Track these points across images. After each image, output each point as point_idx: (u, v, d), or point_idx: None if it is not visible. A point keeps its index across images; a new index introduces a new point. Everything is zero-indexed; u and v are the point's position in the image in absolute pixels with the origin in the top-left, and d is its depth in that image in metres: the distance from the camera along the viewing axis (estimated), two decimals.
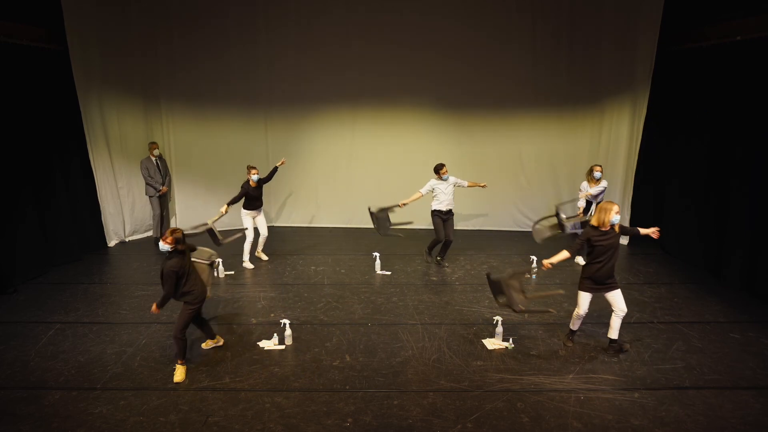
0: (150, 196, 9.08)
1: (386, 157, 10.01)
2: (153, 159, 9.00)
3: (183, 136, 9.65)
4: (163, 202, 9.25)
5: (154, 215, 9.18)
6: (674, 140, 8.30)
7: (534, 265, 7.42)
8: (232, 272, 7.53)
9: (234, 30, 9.30)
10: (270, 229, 8.34)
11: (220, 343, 5.38)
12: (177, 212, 9.95)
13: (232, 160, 9.47)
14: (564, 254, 4.97)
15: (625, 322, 5.85)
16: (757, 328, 5.71)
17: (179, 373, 4.75)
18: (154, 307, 4.74)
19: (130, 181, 9.14)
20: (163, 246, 4.56)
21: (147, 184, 8.99)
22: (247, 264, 7.79)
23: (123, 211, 9.13)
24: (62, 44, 7.79)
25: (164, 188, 9.11)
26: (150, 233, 9.48)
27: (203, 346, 5.33)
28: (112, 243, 8.97)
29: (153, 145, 9.01)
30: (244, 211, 7.67)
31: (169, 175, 9.45)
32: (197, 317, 5.04)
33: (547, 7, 9.03)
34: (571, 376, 4.78)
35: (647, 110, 8.42)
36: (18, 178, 7.05)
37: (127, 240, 9.24)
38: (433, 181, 7.57)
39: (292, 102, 9.81)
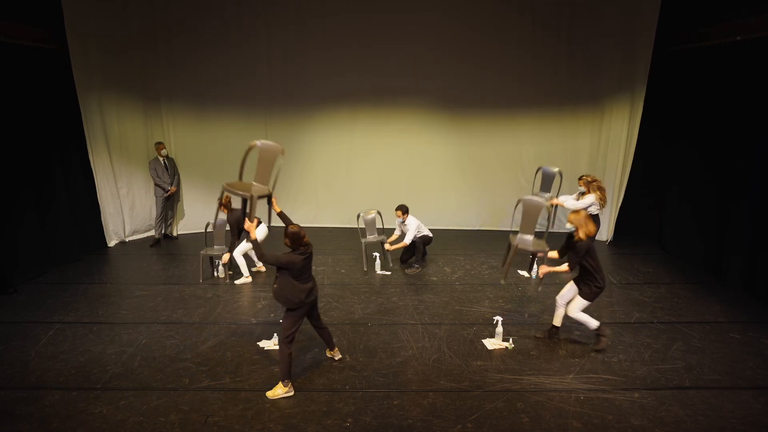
0: (157, 197, 9.13)
1: (386, 156, 10.01)
2: (161, 159, 9.03)
3: (183, 136, 9.63)
4: (168, 203, 9.28)
5: (156, 215, 9.21)
6: (675, 140, 8.30)
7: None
8: (231, 272, 7.52)
9: (234, 30, 9.29)
10: (270, 229, 8.28)
11: (337, 356, 5.09)
12: (185, 213, 9.95)
13: (232, 161, 9.41)
14: (564, 267, 5.20)
15: (625, 322, 5.89)
16: (757, 328, 5.71)
17: (274, 390, 4.49)
18: (249, 225, 4.59)
19: (130, 181, 9.13)
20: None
21: (156, 185, 9.04)
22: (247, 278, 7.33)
23: (123, 211, 9.12)
24: (62, 44, 7.79)
25: (172, 189, 9.13)
26: (150, 233, 9.49)
27: (327, 353, 5.13)
28: (112, 243, 8.96)
29: (160, 145, 9.05)
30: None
31: (178, 175, 9.47)
32: (315, 321, 4.87)
33: (547, 6, 9.02)
34: (571, 376, 4.78)
35: (647, 111, 8.43)
36: (18, 178, 7.04)
37: (127, 240, 9.23)
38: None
39: (292, 102, 9.80)
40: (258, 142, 5.08)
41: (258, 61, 9.53)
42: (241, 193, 4.81)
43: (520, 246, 5.38)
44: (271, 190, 4.94)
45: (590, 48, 8.96)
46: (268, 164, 4.97)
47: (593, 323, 5.24)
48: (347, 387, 4.62)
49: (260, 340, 5.46)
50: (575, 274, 5.31)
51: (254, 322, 5.97)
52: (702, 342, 5.42)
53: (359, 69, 9.59)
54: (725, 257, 7.09)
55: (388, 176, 10.05)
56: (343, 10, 9.31)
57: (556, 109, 9.45)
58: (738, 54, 6.86)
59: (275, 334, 5.43)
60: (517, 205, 5.74)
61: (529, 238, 5.75)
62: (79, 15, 7.91)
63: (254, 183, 4.89)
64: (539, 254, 5.41)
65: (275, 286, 4.52)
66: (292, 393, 4.50)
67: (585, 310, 5.23)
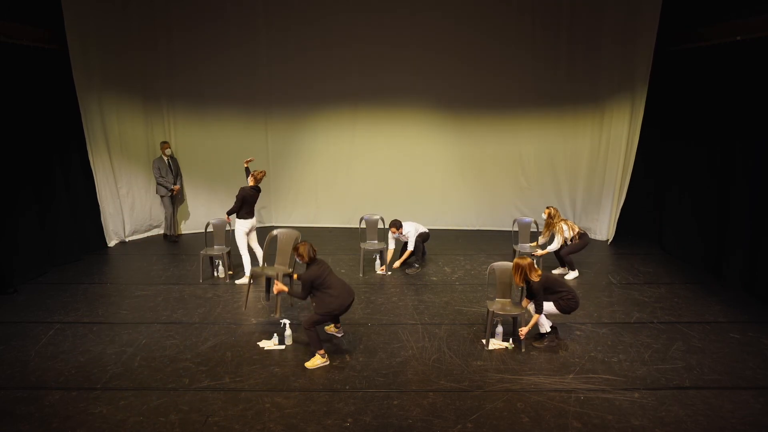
0: (161, 196, 9.17)
1: (386, 157, 10.02)
2: (165, 159, 9.05)
3: (183, 136, 9.64)
4: (173, 202, 9.31)
5: (165, 215, 9.25)
6: (675, 140, 8.30)
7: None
8: (231, 272, 7.52)
9: (234, 30, 9.30)
10: (271, 229, 8.28)
11: (340, 333, 5.52)
12: (186, 212, 9.96)
13: (232, 160, 9.47)
14: (535, 318, 5.25)
15: (625, 322, 5.89)
16: (757, 328, 5.71)
17: (312, 361, 4.96)
18: (279, 286, 5.02)
19: (129, 181, 9.14)
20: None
21: (158, 183, 9.07)
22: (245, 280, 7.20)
23: (123, 211, 9.12)
24: (62, 44, 7.79)
25: (176, 188, 9.15)
26: (150, 233, 9.54)
27: (326, 329, 5.57)
28: (112, 243, 8.97)
29: (164, 144, 9.11)
30: (239, 222, 7.06)
31: (181, 175, 9.48)
32: None
33: (547, 6, 9.02)
34: (571, 376, 4.78)
35: (647, 110, 8.43)
36: (18, 178, 7.04)
37: (127, 240, 9.24)
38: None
39: (292, 102, 9.81)
40: (276, 233, 6.46)
41: (258, 61, 9.54)
42: (268, 273, 6.15)
43: (497, 312, 5.43)
44: (291, 270, 5.97)
45: (590, 48, 8.95)
46: (287, 248, 6.17)
47: (546, 327, 5.39)
48: (347, 387, 4.62)
49: (260, 340, 5.46)
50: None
51: (254, 322, 5.97)
52: (702, 342, 5.42)
53: (359, 69, 9.60)
54: (725, 257, 7.09)
55: (388, 176, 10.05)
56: (343, 10, 9.32)
57: (556, 110, 9.45)
58: (738, 54, 6.86)
59: (275, 334, 5.43)
60: (489, 274, 5.78)
61: (506, 301, 5.74)
62: (79, 15, 7.92)
63: (277, 266, 6.10)
64: (518, 315, 5.50)
65: (314, 304, 5.00)
66: (327, 362, 4.96)
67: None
